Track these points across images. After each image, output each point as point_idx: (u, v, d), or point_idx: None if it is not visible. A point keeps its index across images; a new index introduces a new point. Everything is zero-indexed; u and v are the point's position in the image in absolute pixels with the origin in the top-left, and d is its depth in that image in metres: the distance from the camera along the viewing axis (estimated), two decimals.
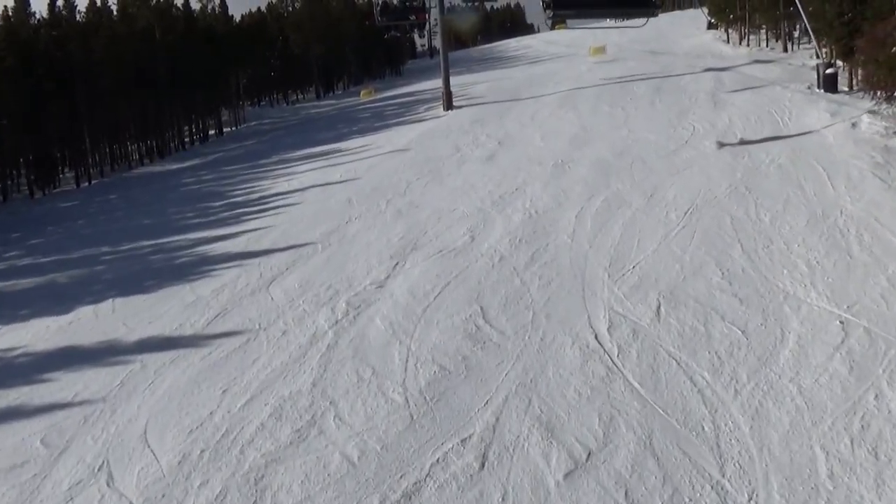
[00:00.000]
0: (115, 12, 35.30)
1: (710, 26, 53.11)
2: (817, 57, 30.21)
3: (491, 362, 9.05)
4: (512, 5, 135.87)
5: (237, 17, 57.29)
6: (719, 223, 12.29)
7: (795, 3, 33.73)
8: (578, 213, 14.02)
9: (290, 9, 54.23)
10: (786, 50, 34.42)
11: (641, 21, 29.60)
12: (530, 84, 35.42)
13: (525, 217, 14.38)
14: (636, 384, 8.07)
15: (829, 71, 21.78)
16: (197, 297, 13.10)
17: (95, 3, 36.79)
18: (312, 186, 21.02)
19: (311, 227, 16.39)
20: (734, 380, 7.88)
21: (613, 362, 8.60)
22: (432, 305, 10.98)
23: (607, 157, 18.01)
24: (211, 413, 8.85)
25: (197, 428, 8.57)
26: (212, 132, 40.86)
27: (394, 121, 31.86)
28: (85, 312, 13.39)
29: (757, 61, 31.60)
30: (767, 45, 37.54)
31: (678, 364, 8.35)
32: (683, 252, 11.41)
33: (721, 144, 17.74)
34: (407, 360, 9.38)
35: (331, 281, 12.71)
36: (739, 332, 8.84)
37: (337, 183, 20.84)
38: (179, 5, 41.01)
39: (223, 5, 45.53)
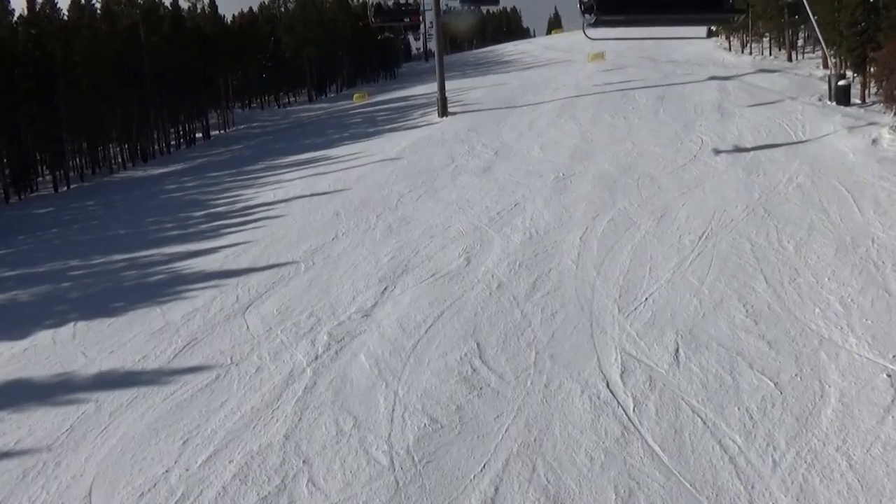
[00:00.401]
0: (98, 11, 34.09)
1: (710, 34, 52.45)
2: (826, 67, 29.41)
3: (489, 414, 7.96)
4: (508, 9, 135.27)
5: (228, 18, 56.32)
6: (738, 250, 11.24)
7: (801, 12, 33.00)
8: (583, 234, 12.96)
9: (283, 10, 53.08)
10: (790, 59, 33.54)
11: (702, 32, 27.86)
12: (527, 90, 34.43)
13: (525, 238, 13.31)
14: (657, 448, 6.99)
15: (841, 83, 20.82)
16: (166, 323, 11.95)
17: (79, 0, 35.60)
18: (298, 197, 19.90)
19: (294, 244, 15.27)
20: (771, 446, 6.82)
21: (629, 418, 7.52)
22: (423, 340, 9.88)
23: (611, 172, 16.97)
24: (167, 471, 7.71)
25: (149, 490, 7.44)
26: (199, 135, 39.63)
27: (386, 127, 30.77)
28: (43, 338, 12.21)
29: (762, 70, 30.67)
30: (770, 54, 36.68)
31: (704, 423, 7.28)
32: (701, 283, 10.35)
33: (717, 151, 17.38)
34: (393, 409, 8.28)
35: (313, 307, 11.60)
36: (772, 385, 7.78)
37: (324, 194, 19.73)
38: (168, 4, 39.79)
39: (213, 5, 44.39)
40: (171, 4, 38.92)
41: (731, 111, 22.19)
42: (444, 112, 29.77)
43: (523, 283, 11.27)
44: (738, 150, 17.27)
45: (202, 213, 20.28)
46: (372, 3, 33.29)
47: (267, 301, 12.21)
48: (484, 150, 21.97)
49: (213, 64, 38.68)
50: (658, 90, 28.27)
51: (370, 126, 31.79)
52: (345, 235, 15.38)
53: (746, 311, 9.40)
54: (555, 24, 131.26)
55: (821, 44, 23.29)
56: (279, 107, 51.70)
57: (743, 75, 30.03)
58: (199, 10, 43.08)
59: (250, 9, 53.70)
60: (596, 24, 14.93)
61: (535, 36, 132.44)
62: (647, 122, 22.27)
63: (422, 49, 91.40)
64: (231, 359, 10.17)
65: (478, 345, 9.52)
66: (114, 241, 18.68)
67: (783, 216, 12.32)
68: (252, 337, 10.83)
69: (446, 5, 29.10)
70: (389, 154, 23.82)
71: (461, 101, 33.32)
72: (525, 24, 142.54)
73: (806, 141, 17.12)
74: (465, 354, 9.30)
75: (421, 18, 29.09)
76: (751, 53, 37.81)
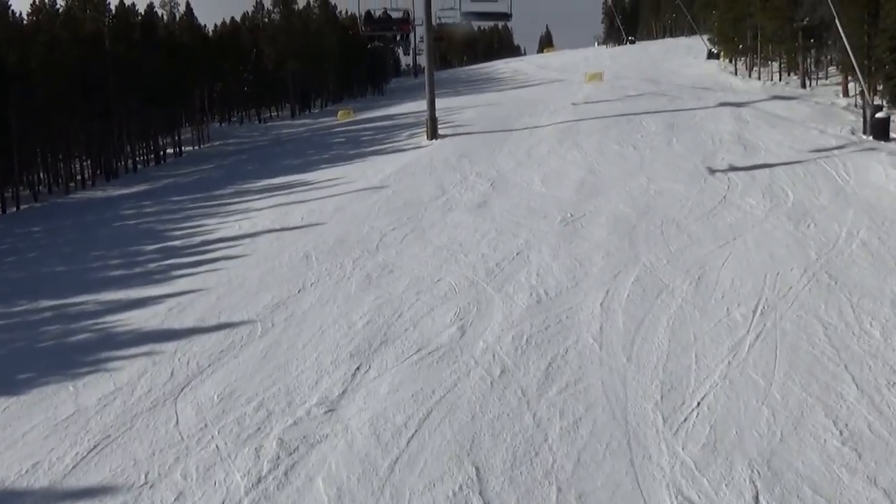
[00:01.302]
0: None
1: (711, 56, 50.58)
2: (846, 95, 27.41)
3: None
4: (500, 27, 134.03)
5: (210, 27, 53.91)
6: (808, 334, 8.86)
7: (816, 36, 31.10)
8: (604, 299, 10.54)
9: (266, 20, 50.70)
10: (804, 86, 31.57)
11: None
12: (523, 112, 32.16)
13: (532, 300, 10.86)
14: None
15: (879, 115, 18.68)
16: (77, 409, 9.36)
17: (44, 3, 33.03)
18: (266, 232, 17.38)
19: (253, 296, 12.74)
20: None
21: None
22: (404, 458, 7.38)
23: (627, 214, 14.61)
24: None
25: None
26: (170, 151, 37.01)
27: (371, 148, 28.35)
28: None
29: (776, 97, 28.60)
30: (781, 80, 34.73)
31: None
32: (768, 383, 7.94)
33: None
34: None
35: (263, 394, 9.06)
36: None
37: (296, 228, 17.23)
38: (141, 12, 37.28)
39: (189, 13, 41.92)
40: (146, 11, 36.41)
41: (755, 143, 19.98)
42: (433, 134, 27.40)
43: (533, 370, 8.81)
44: (774, 191, 14.98)
45: (155, 247, 17.69)
46: (361, 12, 31.08)
47: (208, 380, 9.66)
48: (478, 180, 19.58)
49: (187, 75, 36.13)
50: (666, 116, 26.07)
51: (353, 147, 29.36)
52: (314, 286, 12.87)
53: (840, 432, 6.99)
54: (546, 43, 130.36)
55: (855, 72, 21.14)
56: (260, 122, 49.20)
57: (756, 102, 27.93)
58: (175, 19, 40.54)
59: (232, 19, 51.27)
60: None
61: (525, 54, 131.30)
62: (660, 154, 20.00)
63: (411, 64, 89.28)
64: (145, 476, 7.60)
65: (477, 471, 7.03)
66: (47, 280, 16.05)
67: (855, 286, 9.97)
68: (180, 439, 8.27)
69: (438, 19, 26.84)
70: (372, 181, 21.38)
71: (452, 122, 31.00)
72: (516, 42, 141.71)
73: (853, 184, 14.85)
74: (460, 488, 6.81)
75: (411, 27, 26.83)
76: (759, 78, 35.85)
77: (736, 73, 38.69)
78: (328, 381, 9.20)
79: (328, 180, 22.87)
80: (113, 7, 33.26)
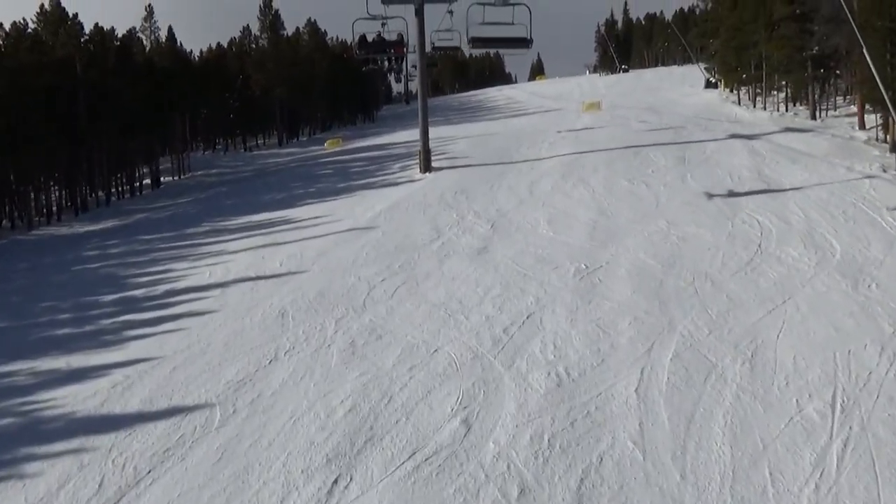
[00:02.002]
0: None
1: (710, 85, 49.46)
2: (862, 128, 25.95)
3: None
4: (491, 54, 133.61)
5: (196, 53, 52.33)
6: None
7: (826, 66, 29.74)
8: (639, 383, 8.63)
9: (254, 46, 49.07)
10: (814, 117, 30.10)
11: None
12: (521, 142, 30.50)
13: (551, 382, 8.94)
14: None
15: None
16: None
17: (16, 27, 31.24)
18: (239, 281, 15.39)
19: (215, 368, 10.73)
20: None
21: None
22: None
23: (651, 266, 12.78)
24: None
25: None
26: (147, 181, 35.05)
27: (360, 182, 26.51)
28: None
29: (788, 129, 27.08)
30: (788, 110, 33.31)
31: None
32: None
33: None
34: None
35: None
36: None
37: (273, 277, 15.27)
38: (119, 36, 35.54)
39: (171, 38, 40.21)
40: (122, 36, 34.66)
41: (778, 181, 18.29)
42: (427, 167, 25.61)
43: (561, 490, 6.86)
44: (816, 240, 13.20)
45: (113, 297, 15.64)
46: (355, 37, 29.70)
47: (144, 495, 7.63)
48: (477, 220, 17.73)
49: (168, 103, 34.30)
50: (675, 149, 24.43)
51: (341, 180, 27.51)
52: (288, 354, 10.90)
53: None
54: (537, 71, 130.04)
55: (882, 103, 19.56)
56: (246, 150, 47.38)
57: (768, 134, 26.39)
58: (156, 43, 38.82)
59: (218, 44, 49.68)
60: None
61: (517, 81, 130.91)
62: (676, 192, 18.26)
63: (402, 91, 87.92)
64: None
65: None
66: None
67: None
68: None
69: (433, 44, 25.24)
70: (361, 221, 19.49)
71: (446, 154, 29.28)
72: (507, 70, 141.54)
73: None
74: None
75: (405, 50, 25.39)
76: (765, 108, 34.42)
77: (739, 103, 37.30)
78: (297, 501, 7.19)
79: (313, 218, 20.96)
80: (89, 31, 31.52)
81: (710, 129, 29.48)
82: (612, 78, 75.82)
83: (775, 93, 34.81)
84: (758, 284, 11.33)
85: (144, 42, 39.61)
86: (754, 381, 8.38)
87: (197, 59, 50.65)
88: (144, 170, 35.05)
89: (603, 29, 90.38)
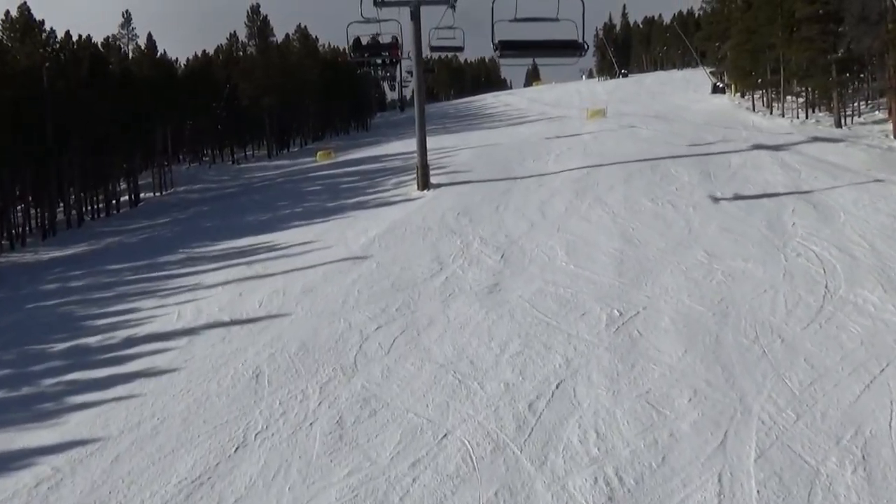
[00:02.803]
0: None
1: (717, 90, 47.57)
2: None
3: None
4: (486, 59, 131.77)
5: (183, 61, 50.22)
6: None
7: (851, 69, 27.74)
8: (720, 500, 6.48)
9: (241, 53, 46.89)
10: (839, 124, 28.11)
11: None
12: (525, 154, 28.47)
13: (600, 496, 6.79)
14: None
15: None
16: None
17: None
18: (210, 326, 13.22)
19: (167, 458, 8.55)
20: None
21: None
22: None
23: (700, 314, 10.66)
24: None
25: None
26: (127, 198, 32.82)
27: (352, 200, 24.38)
28: None
29: (816, 139, 25.09)
30: (808, 117, 31.34)
31: None
32: None
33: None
34: None
35: None
36: None
37: (250, 321, 13.11)
38: (98, 44, 33.35)
39: (152, 45, 38.05)
40: (99, 44, 32.46)
41: (823, 201, 16.23)
42: (425, 184, 23.49)
43: None
44: (895, 281, 11.10)
45: (65, 346, 13.46)
46: (350, 40, 28.04)
47: None
48: (484, 249, 15.61)
49: (148, 114, 32.12)
50: (696, 163, 22.40)
51: (331, 198, 25.38)
52: (260, 438, 8.73)
53: None
54: (533, 76, 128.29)
55: None
56: (233, 162, 45.20)
57: (795, 145, 24.40)
58: (137, 51, 36.61)
59: (204, 52, 47.50)
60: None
61: (511, 87, 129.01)
62: (709, 214, 16.18)
63: (397, 97, 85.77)
64: None
65: None
66: None
67: None
68: None
69: (430, 46, 23.31)
70: (353, 248, 17.36)
71: (446, 167, 27.20)
72: (503, 75, 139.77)
73: None
74: None
75: (400, 53, 23.73)
76: (783, 115, 32.43)
77: (754, 109, 35.33)
78: None
79: (300, 244, 18.83)
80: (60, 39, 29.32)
81: (729, 138, 27.48)
82: (612, 83, 73.92)
83: (794, 98, 32.84)
84: (840, 343, 9.20)
85: (123, 50, 37.33)
86: (877, 499, 6.24)
87: (183, 67, 48.58)
88: (124, 185, 32.83)
89: (601, 33, 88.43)
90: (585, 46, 16.96)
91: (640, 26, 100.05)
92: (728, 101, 39.99)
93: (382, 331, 11.70)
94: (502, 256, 15.04)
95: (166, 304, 15.40)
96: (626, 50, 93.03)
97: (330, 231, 19.79)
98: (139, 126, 31.04)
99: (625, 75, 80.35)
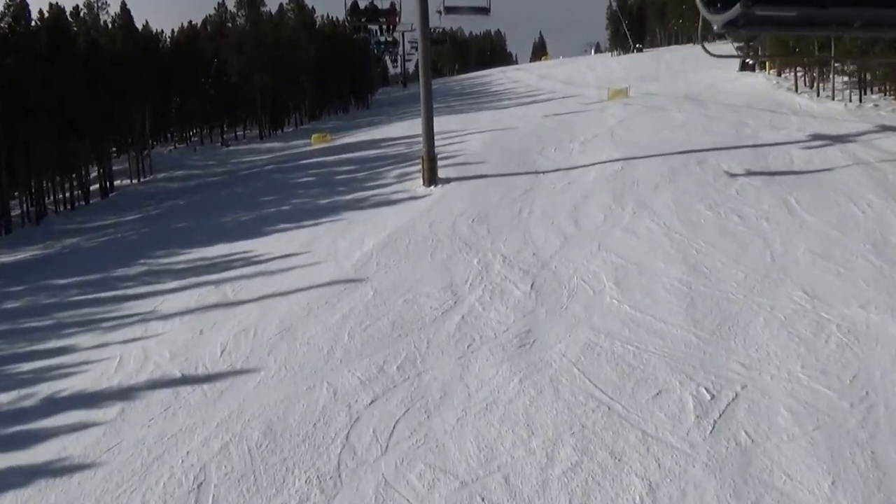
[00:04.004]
0: None
1: (745, 67, 43.86)
2: None
3: None
4: (492, 32, 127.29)
5: (168, 33, 46.54)
6: None
7: None
8: None
9: (230, 25, 43.13)
10: None
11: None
12: (545, 140, 25.13)
13: None
14: None
15: None
16: None
17: None
18: (155, 385, 10.11)
19: None
20: None
21: None
22: None
23: (831, 403, 7.49)
24: None
25: None
26: (104, 185, 29.53)
27: (347, 197, 21.10)
28: None
29: (885, 128, 21.65)
30: (861, 101, 27.84)
31: None
32: None
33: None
34: None
35: None
36: None
37: (207, 380, 9.98)
38: (68, 14, 29.78)
39: (126, 16, 34.41)
40: (72, 14, 28.89)
41: None
42: (431, 179, 20.21)
43: None
44: None
45: None
46: (348, 3, 25.23)
47: None
48: (508, 273, 12.42)
49: (121, 93, 28.68)
50: (748, 156, 19.09)
51: (324, 193, 22.10)
52: None
53: None
54: (540, 50, 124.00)
55: None
56: (222, 144, 41.78)
57: (861, 135, 20.95)
58: (101, 23, 33.00)
59: (190, 23, 43.81)
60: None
61: (517, 62, 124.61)
62: (790, 231, 12.91)
63: (399, 71, 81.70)
64: None
65: None
66: None
67: None
68: None
69: (444, 8, 19.89)
70: (345, 266, 14.16)
71: (454, 156, 23.90)
72: (508, 49, 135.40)
73: None
74: None
75: (398, 20, 21.27)
76: (833, 97, 28.89)
77: (797, 90, 31.74)
78: None
79: (281, 257, 15.64)
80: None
81: (779, 125, 24.05)
82: (626, 58, 69.89)
83: (846, 78, 29.24)
84: None
85: (103, 20, 33.71)
86: None
87: (168, 40, 44.99)
88: (97, 173, 29.50)
89: (615, 4, 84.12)
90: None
91: None
92: (763, 80, 36.33)
93: (379, 407, 8.57)
94: (532, 285, 11.84)
95: (109, 341, 12.28)
96: (641, 23, 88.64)
97: (319, 239, 16.58)
98: (111, 106, 27.62)
99: (639, 50, 76.27)
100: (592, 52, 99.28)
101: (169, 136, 44.61)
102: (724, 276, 11.23)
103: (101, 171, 28.71)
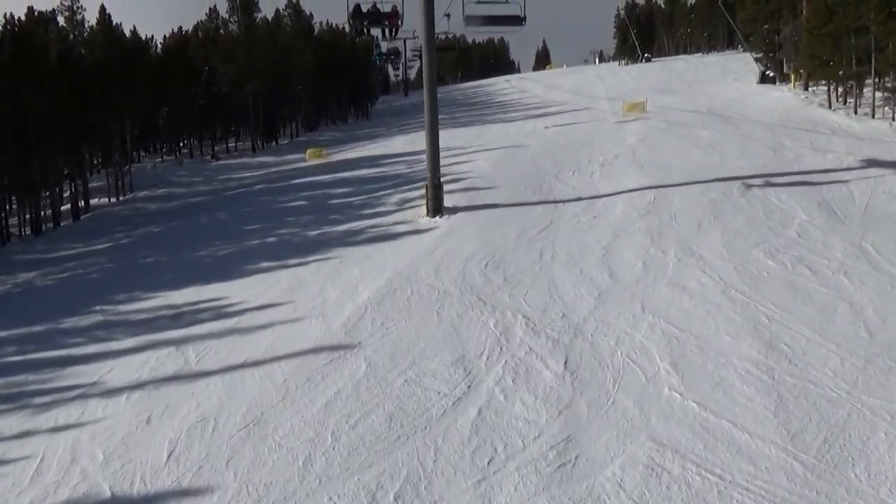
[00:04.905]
0: None
1: (765, 79, 41.63)
2: None
3: None
4: (495, 40, 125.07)
5: (160, 38, 44.25)
6: None
7: None
8: None
9: (221, 31, 40.74)
10: None
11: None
12: (560, 162, 22.81)
13: None
14: None
15: None
16: None
17: None
18: None
19: None
20: None
21: None
22: None
23: None
24: None
25: None
26: (81, 206, 27.10)
27: (341, 227, 18.66)
28: None
29: None
30: None
31: None
32: None
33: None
34: None
35: None
36: None
37: None
38: (42, 20, 27.37)
39: (106, 20, 32.00)
40: (38, 20, 26.50)
41: None
42: (437, 208, 17.81)
43: None
44: None
45: None
46: (350, 6, 23.44)
47: None
48: (534, 343, 10.02)
49: (94, 105, 26.26)
50: (801, 185, 16.71)
51: (316, 222, 19.68)
52: None
53: None
54: (543, 58, 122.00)
55: None
56: (212, 157, 39.37)
57: None
58: (75, 33, 30.62)
59: (180, 28, 41.47)
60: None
61: (520, 70, 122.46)
62: (881, 292, 10.50)
63: (401, 77, 79.24)
64: None
65: None
66: None
67: None
68: None
69: (466, 17, 17.60)
70: (333, 324, 11.73)
71: (461, 178, 21.59)
72: (512, 57, 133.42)
73: None
74: None
75: (400, 23, 19.40)
76: (873, 116, 26.49)
77: (830, 107, 29.34)
78: None
79: (259, 308, 13.20)
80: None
81: (819, 146, 21.71)
82: (636, 68, 67.59)
83: (883, 94, 26.85)
84: None
85: (78, 28, 31.28)
86: None
87: (159, 46, 42.68)
88: (72, 190, 27.06)
89: (623, 13, 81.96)
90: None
91: (663, 6, 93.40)
92: (790, 95, 33.91)
93: None
94: (565, 363, 9.42)
95: (35, 428, 9.84)
96: (649, 32, 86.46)
97: (306, 284, 14.12)
98: (86, 119, 25.18)
99: (648, 59, 74.09)
100: (596, 60, 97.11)
101: (157, 147, 42.22)
102: (812, 358, 8.80)
103: (73, 189, 26.26)
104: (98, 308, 14.61)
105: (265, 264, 16.11)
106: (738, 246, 13.00)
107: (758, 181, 17.55)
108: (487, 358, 9.85)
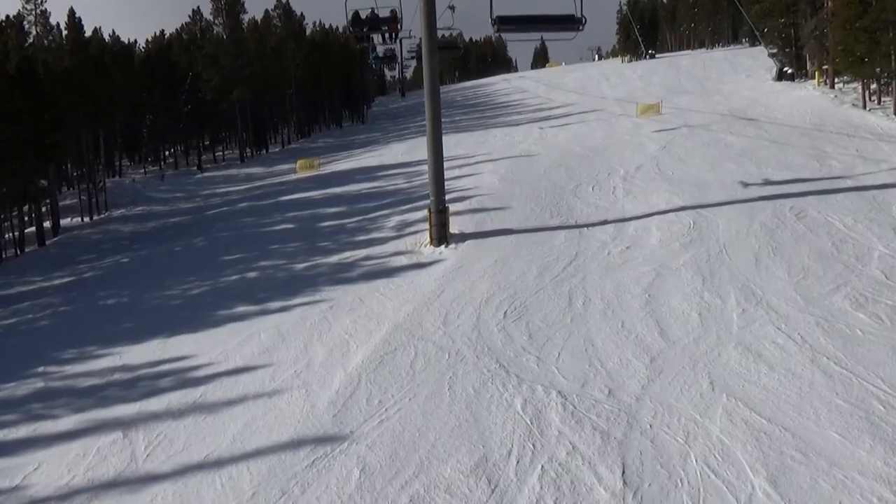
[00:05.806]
0: None
1: (782, 76, 39.37)
2: None
3: None
4: (493, 39, 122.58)
5: (142, 43, 41.82)
6: None
7: None
8: None
9: (206, 36, 38.21)
10: None
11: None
12: (576, 174, 20.53)
13: None
14: None
15: None
16: None
17: None
18: None
19: None
20: None
21: None
22: None
23: None
24: None
25: None
26: (47, 226, 24.70)
27: (332, 259, 16.27)
28: None
29: None
30: None
31: None
32: None
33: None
34: None
35: None
36: None
37: None
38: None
39: (76, 26, 29.51)
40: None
41: None
42: (441, 236, 15.44)
43: None
44: None
45: None
46: (349, 14, 21.64)
47: None
48: (576, 437, 7.71)
49: (60, 119, 23.85)
50: (864, 205, 14.37)
51: (302, 252, 17.29)
52: None
53: None
54: (542, 56, 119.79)
55: None
56: (198, 168, 36.96)
57: None
58: (59, 34, 28.22)
59: (162, 32, 38.97)
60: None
61: (518, 68, 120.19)
62: None
63: (397, 76, 76.70)
64: None
65: None
66: None
67: None
68: None
69: (496, 19, 15.11)
70: (318, 402, 9.37)
71: (467, 196, 19.30)
72: (509, 55, 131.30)
73: None
74: None
75: (399, 27, 17.44)
76: None
77: (864, 107, 27.00)
78: None
79: (230, 373, 10.84)
80: None
81: (867, 153, 19.41)
82: (640, 65, 65.24)
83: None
84: None
85: (37, 31, 28.78)
86: None
87: (142, 50, 40.25)
88: (40, 209, 24.63)
89: (625, 9, 79.56)
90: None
91: (665, 1, 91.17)
92: (816, 94, 31.56)
93: None
94: (623, 474, 7.05)
95: None
96: (653, 28, 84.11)
97: (288, 340, 11.75)
98: (49, 137, 22.78)
99: (651, 56, 71.88)
100: (595, 58, 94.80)
101: (141, 157, 39.83)
102: None
103: (38, 211, 23.84)
104: (41, 370, 12.22)
105: (241, 309, 13.72)
106: (813, 290, 10.65)
107: (811, 199, 15.24)
108: (518, 462, 7.50)
